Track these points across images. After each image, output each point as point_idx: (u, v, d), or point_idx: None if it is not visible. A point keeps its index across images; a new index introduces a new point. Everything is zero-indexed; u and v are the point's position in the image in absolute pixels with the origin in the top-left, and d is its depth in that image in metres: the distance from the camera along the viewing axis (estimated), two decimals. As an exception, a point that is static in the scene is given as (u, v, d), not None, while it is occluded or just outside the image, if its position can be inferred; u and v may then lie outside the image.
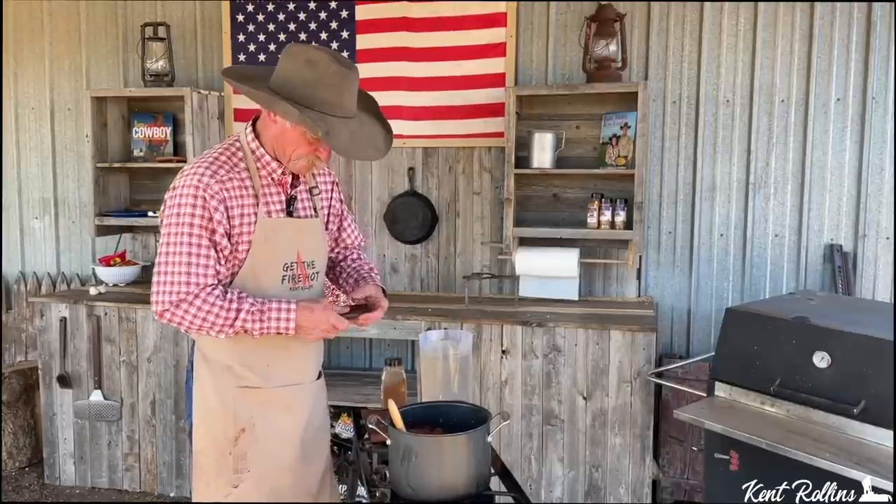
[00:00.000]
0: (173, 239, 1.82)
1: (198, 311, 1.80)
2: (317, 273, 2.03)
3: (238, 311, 1.81)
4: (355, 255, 2.26)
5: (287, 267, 1.94)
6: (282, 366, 1.97)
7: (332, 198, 2.14)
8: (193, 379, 2.04)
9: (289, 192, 1.97)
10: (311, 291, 2.01)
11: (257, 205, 1.88)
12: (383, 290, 2.08)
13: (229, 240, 1.85)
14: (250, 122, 1.95)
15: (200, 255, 1.81)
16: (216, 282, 1.84)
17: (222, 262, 1.85)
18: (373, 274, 2.17)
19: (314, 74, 1.79)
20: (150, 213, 4.03)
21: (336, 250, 2.24)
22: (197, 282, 1.80)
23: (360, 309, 1.97)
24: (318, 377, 2.13)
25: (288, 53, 1.85)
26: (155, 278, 1.85)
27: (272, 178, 1.93)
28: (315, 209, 2.05)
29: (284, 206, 1.95)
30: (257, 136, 1.92)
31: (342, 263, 2.23)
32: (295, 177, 1.98)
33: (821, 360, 2.16)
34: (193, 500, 2.04)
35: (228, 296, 1.82)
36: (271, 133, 1.89)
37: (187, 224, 1.81)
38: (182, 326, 1.84)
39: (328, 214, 2.14)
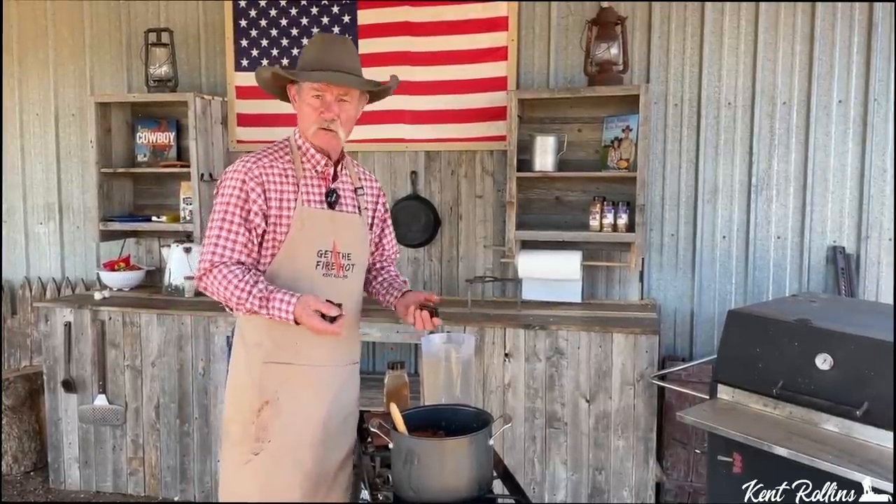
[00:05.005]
0: (214, 216, 2.04)
1: (220, 281, 1.97)
2: (353, 265, 2.14)
3: (249, 292, 1.95)
4: (392, 269, 2.37)
5: (321, 254, 2.07)
6: (309, 346, 2.07)
7: (377, 203, 2.29)
8: (231, 354, 2.18)
9: (330, 184, 2.11)
10: (346, 282, 2.12)
11: (298, 192, 2.05)
12: None
13: (266, 220, 2.02)
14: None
15: (231, 231, 2.00)
16: (243, 259, 2.01)
17: (255, 240, 2.02)
18: (406, 286, 2.30)
19: (306, 48, 2.10)
20: (153, 218, 4.05)
21: (375, 255, 2.33)
22: (222, 253, 1.99)
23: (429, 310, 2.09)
24: (351, 364, 2.20)
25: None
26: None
27: (316, 171, 2.10)
28: (359, 208, 2.18)
29: (324, 198, 2.09)
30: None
31: (381, 272, 2.34)
32: (336, 171, 2.11)
33: (823, 362, 2.16)
34: (221, 459, 2.20)
35: (247, 276, 1.97)
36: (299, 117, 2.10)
37: (225, 203, 2.02)
38: (213, 294, 2.02)
39: (372, 218, 2.27)
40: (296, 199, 2.04)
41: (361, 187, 2.21)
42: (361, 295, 2.25)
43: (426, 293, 2.16)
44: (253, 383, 2.07)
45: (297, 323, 1.93)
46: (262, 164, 2.04)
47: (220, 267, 1.98)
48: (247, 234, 2.01)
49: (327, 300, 1.94)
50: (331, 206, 2.10)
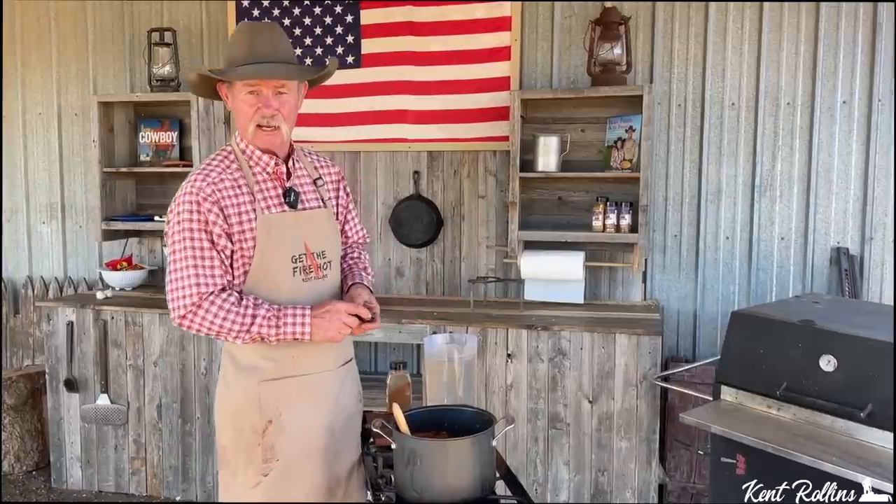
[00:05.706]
0: (178, 247, 1.87)
1: (214, 316, 1.84)
2: (329, 262, 2.04)
3: (254, 317, 1.85)
4: (355, 254, 2.27)
5: (296, 259, 1.95)
6: (306, 356, 1.98)
7: (339, 189, 2.17)
8: (219, 377, 2.07)
9: (285, 184, 2.00)
10: (327, 281, 2.03)
11: (254, 201, 1.92)
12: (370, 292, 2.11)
13: (230, 239, 1.89)
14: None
15: (205, 257, 1.86)
16: (225, 283, 1.88)
17: (226, 262, 1.89)
18: (364, 274, 2.20)
19: (231, 41, 1.96)
20: (156, 218, 4.05)
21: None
22: (206, 283, 1.85)
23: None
24: (346, 363, 2.13)
25: None
26: (168, 287, 1.89)
27: (267, 173, 1.97)
28: (323, 200, 2.07)
29: (283, 200, 1.97)
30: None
31: (342, 260, 2.22)
32: (289, 168, 2.01)
33: (827, 363, 2.15)
34: (220, 491, 2.08)
35: (244, 301, 1.86)
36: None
37: (187, 230, 1.86)
38: (201, 331, 1.87)
39: (336, 206, 2.16)
40: (254, 209, 1.91)
41: (320, 177, 2.08)
42: (341, 291, 2.15)
43: (357, 293, 2.04)
44: (252, 405, 1.96)
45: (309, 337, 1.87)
46: (210, 181, 1.88)
47: (211, 298, 1.84)
48: (219, 256, 1.87)
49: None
50: (292, 206, 1.97)
